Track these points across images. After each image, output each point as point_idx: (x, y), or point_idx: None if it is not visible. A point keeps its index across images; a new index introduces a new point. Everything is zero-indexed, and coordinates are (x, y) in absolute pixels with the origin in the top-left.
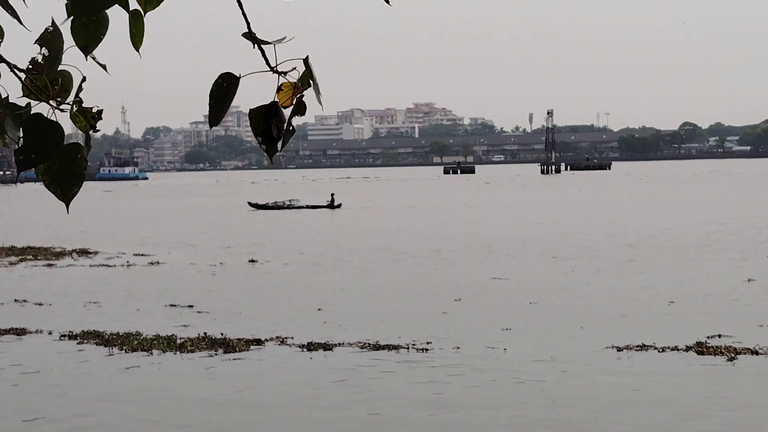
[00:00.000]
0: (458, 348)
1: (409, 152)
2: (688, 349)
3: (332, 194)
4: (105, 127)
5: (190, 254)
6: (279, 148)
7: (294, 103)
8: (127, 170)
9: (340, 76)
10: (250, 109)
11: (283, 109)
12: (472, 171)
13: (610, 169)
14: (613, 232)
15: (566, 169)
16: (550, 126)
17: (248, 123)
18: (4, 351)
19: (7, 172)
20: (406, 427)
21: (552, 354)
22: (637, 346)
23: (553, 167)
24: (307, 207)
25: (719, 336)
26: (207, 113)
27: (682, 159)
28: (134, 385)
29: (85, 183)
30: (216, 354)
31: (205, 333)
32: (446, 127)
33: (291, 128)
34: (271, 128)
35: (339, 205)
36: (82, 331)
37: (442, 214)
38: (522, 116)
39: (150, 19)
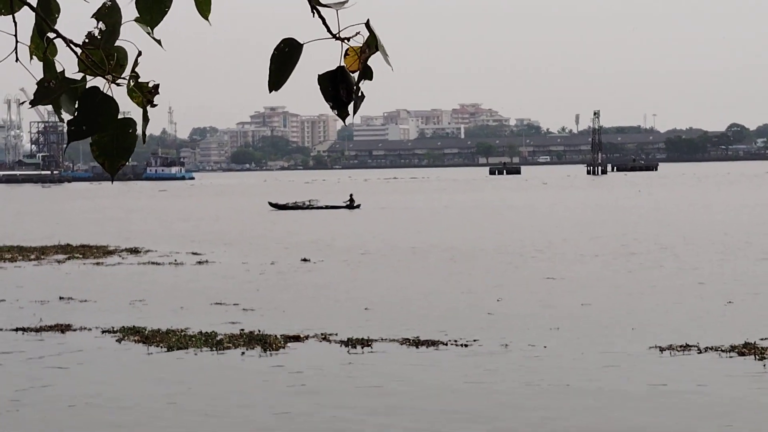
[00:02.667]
0: (505, 345)
1: (455, 153)
2: (732, 349)
3: (351, 195)
4: (152, 128)
5: (241, 253)
6: (353, 115)
7: (361, 67)
8: (174, 170)
9: (386, 76)
10: (319, 75)
11: (350, 73)
12: (518, 172)
13: (656, 170)
14: (674, 232)
15: (612, 170)
16: (596, 127)
17: (294, 124)
18: (42, 346)
19: (54, 172)
20: (441, 421)
21: (593, 353)
22: (680, 346)
23: (600, 168)
24: (327, 207)
25: None
26: (255, 112)
27: (730, 160)
28: (163, 379)
29: (134, 182)
30: (252, 350)
31: (242, 330)
32: (492, 127)
33: (361, 94)
34: (340, 92)
35: (358, 206)
36: (123, 327)
37: (500, 213)
38: (568, 117)
39: (197, 20)
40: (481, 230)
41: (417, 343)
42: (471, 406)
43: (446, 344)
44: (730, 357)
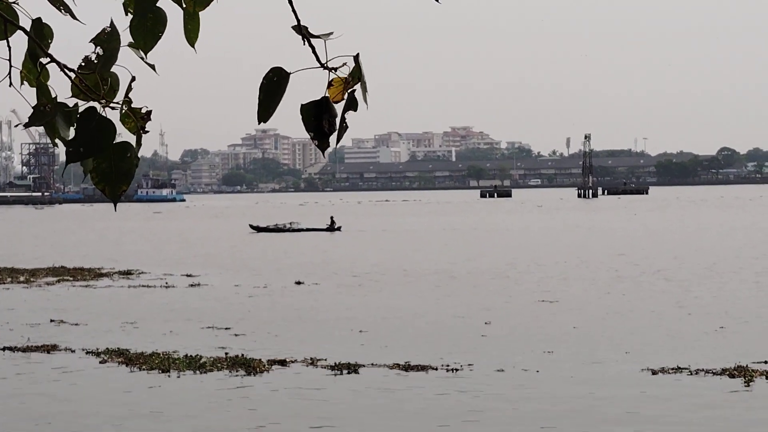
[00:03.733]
0: (501, 370)
1: (446, 176)
2: (723, 372)
3: (332, 217)
4: (143, 150)
5: (234, 275)
6: (335, 144)
7: (345, 98)
8: (165, 192)
9: (378, 99)
10: (302, 105)
11: (334, 104)
12: (509, 195)
13: (647, 193)
14: (668, 255)
15: (603, 193)
16: (587, 150)
17: (285, 146)
18: (23, 366)
19: (45, 193)
20: None
21: (586, 376)
22: (672, 369)
23: (591, 191)
24: (308, 230)
25: (766, 362)
26: (248, 128)
27: (720, 184)
28: (139, 401)
29: (125, 204)
30: (234, 374)
31: (226, 353)
32: (483, 150)
33: (344, 124)
34: (323, 123)
35: (339, 228)
36: (107, 348)
37: (494, 236)
38: (559, 140)
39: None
40: (474, 253)
41: (407, 367)
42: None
43: (436, 369)
44: (721, 380)
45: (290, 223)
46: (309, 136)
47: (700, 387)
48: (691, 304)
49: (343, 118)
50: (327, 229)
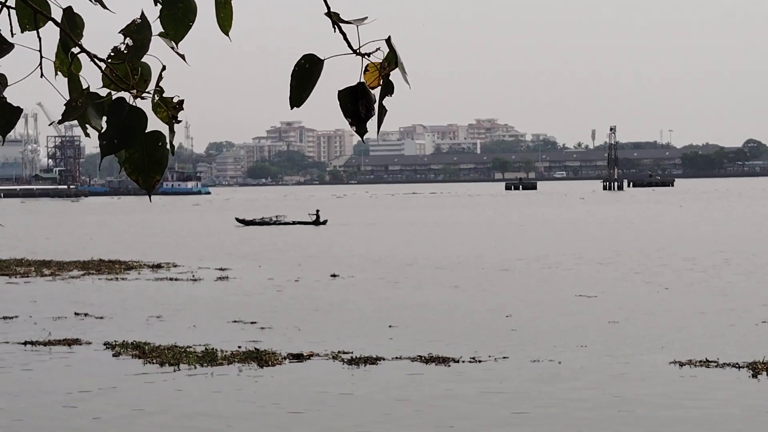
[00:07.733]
0: (535, 361)
1: (471, 168)
2: (747, 365)
3: (317, 210)
4: None
5: (268, 268)
6: (377, 129)
7: (381, 83)
8: (190, 185)
9: (402, 91)
10: (339, 91)
11: (370, 90)
12: (534, 187)
13: (673, 185)
14: (707, 247)
15: (629, 185)
16: (612, 142)
17: (310, 139)
18: (37, 359)
19: (71, 186)
20: None
21: (622, 371)
22: (700, 362)
23: (616, 184)
24: (294, 223)
25: None
26: (275, 118)
27: (746, 176)
28: (136, 394)
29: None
30: (246, 369)
31: (239, 347)
32: (508, 143)
33: (384, 109)
34: (359, 109)
35: (324, 222)
36: (123, 341)
37: (528, 229)
38: (584, 132)
39: (214, 35)
40: (509, 245)
41: (428, 360)
42: (495, 424)
43: (458, 361)
44: (755, 375)
45: (276, 217)
46: (347, 122)
47: (743, 384)
48: (733, 299)
49: (381, 103)
50: (313, 223)
